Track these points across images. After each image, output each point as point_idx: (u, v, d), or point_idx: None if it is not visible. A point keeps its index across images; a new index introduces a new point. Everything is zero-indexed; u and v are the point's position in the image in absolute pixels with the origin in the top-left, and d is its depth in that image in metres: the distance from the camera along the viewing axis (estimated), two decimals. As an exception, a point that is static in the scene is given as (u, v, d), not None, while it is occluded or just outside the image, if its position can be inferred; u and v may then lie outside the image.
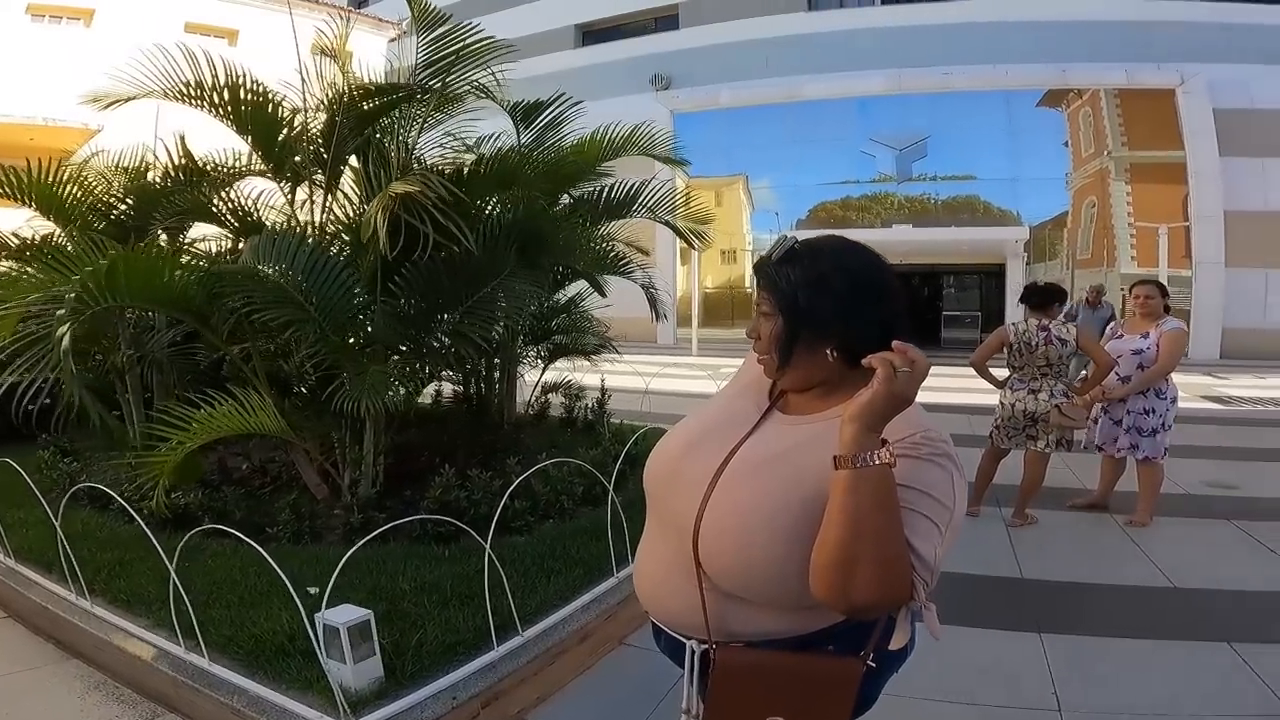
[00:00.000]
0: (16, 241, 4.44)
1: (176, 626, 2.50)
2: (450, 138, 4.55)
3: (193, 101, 3.87)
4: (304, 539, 3.45)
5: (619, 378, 6.48)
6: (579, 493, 3.91)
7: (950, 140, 17.42)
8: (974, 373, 4.33)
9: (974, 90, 16.87)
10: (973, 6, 17.17)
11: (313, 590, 2.75)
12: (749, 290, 20.01)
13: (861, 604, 0.98)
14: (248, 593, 2.88)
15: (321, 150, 4.09)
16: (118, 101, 4.05)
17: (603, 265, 5.41)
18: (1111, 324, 4.71)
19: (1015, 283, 16.90)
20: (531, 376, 6.12)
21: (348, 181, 4.30)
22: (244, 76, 3.82)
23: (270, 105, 3.92)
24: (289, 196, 4.20)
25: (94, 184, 4.56)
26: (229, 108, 3.86)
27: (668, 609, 1.23)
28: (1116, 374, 4.23)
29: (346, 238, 4.14)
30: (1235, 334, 15.00)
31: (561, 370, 6.19)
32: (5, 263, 4.39)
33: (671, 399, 7.98)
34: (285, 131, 4.03)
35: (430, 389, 5.55)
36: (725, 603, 1.14)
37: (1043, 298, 4.24)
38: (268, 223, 4.36)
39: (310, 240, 3.82)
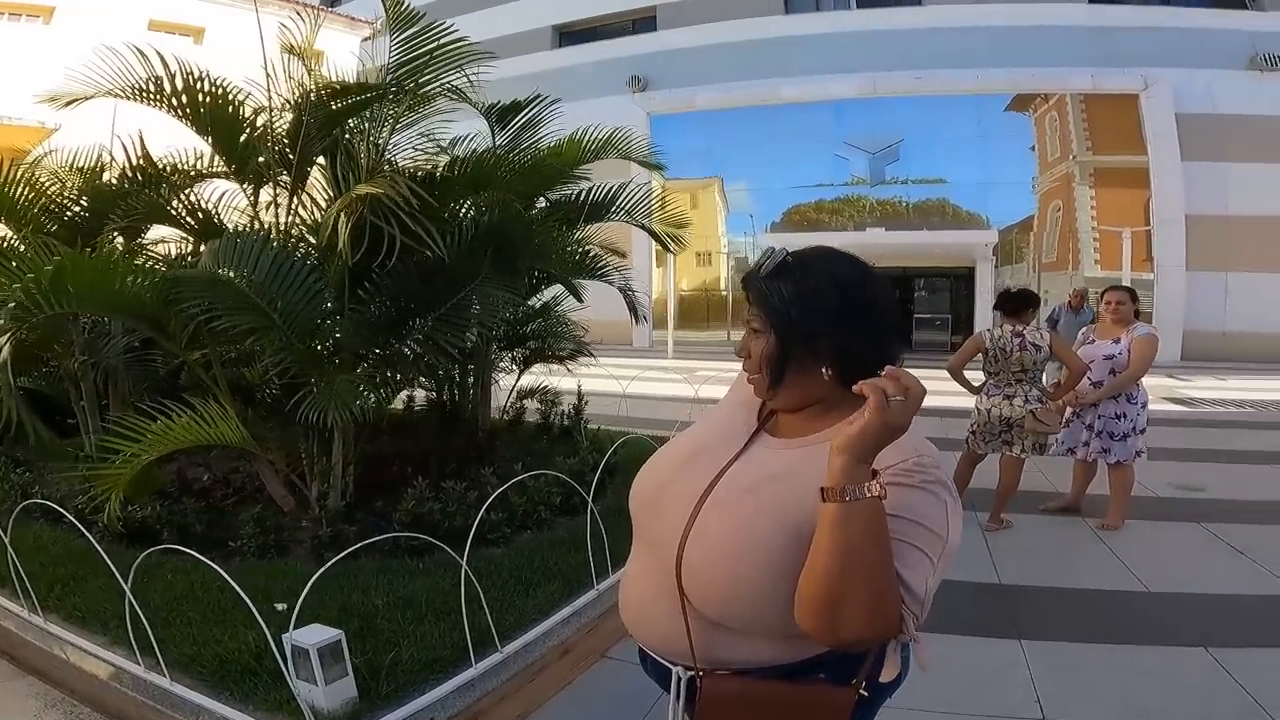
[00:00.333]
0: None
1: (134, 644, 2.40)
2: (424, 138, 4.45)
3: (151, 101, 3.73)
4: (270, 553, 3.34)
5: (595, 381, 6.42)
6: (556, 503, 3.85)
7: (922, 144, 17.64)
8: (947, 375, 4.35)
9: (945, 94, 17.09)
10: (944, 11, 17.41)
11: (280, 607, 2.66)
12: (724, 293, 20.10)
13: (849, 638, 0.95)
14: (210, 609, 2.77)
15: (288, 151, 3.96)
16: (75, 101, 3.90)
17: (580, 269, 5.34)
18: (1084, 330, 4.77)
19: (985, 286, 17.19)
20: (506, 381, 6.02)
21: (316, 183, 4.18)
22: (204, 76, 3.69)
23: (231, 105, 3.79)
24: (252, 198, 4.06)
25: (47, 184, 4.38)
26: (188, 107, 3.72)
27: (653, 635, 1.19)
28: (1089, 379, 4.29)
29: (313, 240, 4.02)
30: (1196, 336, 15.36)
31: (537, 374, 6.11)
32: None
33: (648, 403, 7.96)
34: (248, 131, 3.90)
35: (402, 395, 5.44)
36: (711, 630, 1.10)
37: (1016, 304, 4.27)
38: (230, 225, 4.22)
39: (275, 244, 3.70)
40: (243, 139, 3.89)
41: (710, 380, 8.35)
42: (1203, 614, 3.19)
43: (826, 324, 1.06)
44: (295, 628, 2.18)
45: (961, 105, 17.19)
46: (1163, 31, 16.09)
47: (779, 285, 1.09)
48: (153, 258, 4.38)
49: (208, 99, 3.71)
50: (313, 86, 3.86)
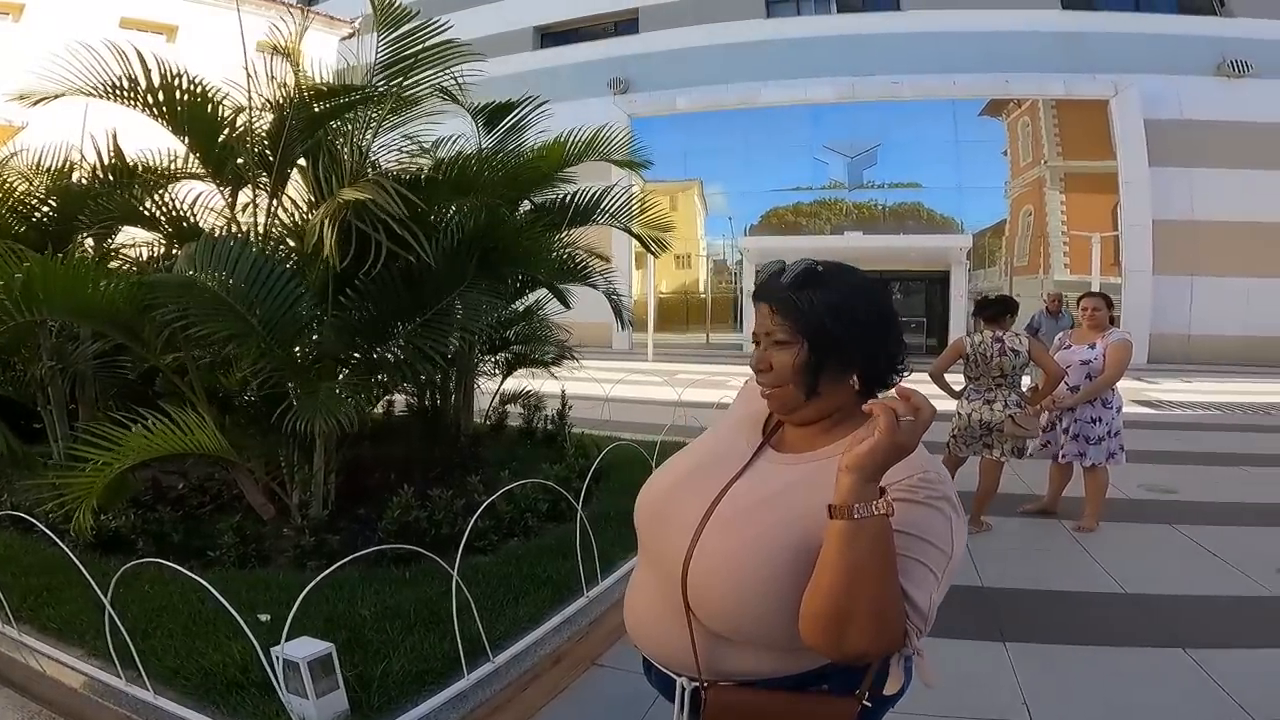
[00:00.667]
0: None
1: (114, 657, 2.34)
2: (408, 140, 4.40)
3: (125, 99, 3.63)
4: (251, 563, 3.27)
5: (577, 384, 6.39)
6: (543, 509, 3.82)
7: (898, 148, 17.86)
8: (928, 379, 4.40)
9: (921, 99, 17.33)
10: (922, 17, 17.65)
11: (264, 618, 2.61)
12: (703, 295, 20.16)
13: (853, 653, 0.96)
14: (191, 620, 2.71)
15: (268, 152, 3.89)
16: (46, 99, 3.79)
17: (566, 274, 5.32)
18: (1060, 335, 4.87)
19: (959, 289, 17.45)
20: (489, 385, 5.97)
21: (297, 185, 4.11)
22: (182, 74, 3.60)
23: (209, 104, 3.71)
24: (230, 200, 3.98)
25: (14, 184, 4.25)
26: (164, 106, 3.63)
27: (658, 646, 1.20)
28: (1066, 384, 4.38)
29: (294, 244, 3.95)
30: (1162, 339, 15.73)
31: (520, 378, 6.07)
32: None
33: (631, 406, 7.95)
34: (227, 132, 3.82)
35: (382, 400, 5.37)
36: (716, 643, 1.11)
37: (996, 310, 4.35)
38: (206, 227, 4.13)
39: (254, 247, 3.62)
40: (221, 139, 3.81)
41: (694, 384, 8.37)
42: (1179, 615, 3.26)
43: (860, 332, 1.08)
44: (284, 640, 2.14)
45: (937, 110, 17.45)
46: (1133, 37, 16.46)
47: (810, 295, 1.09)
48: (126, 261, 4.27)
49: (186, 98, 3.62)
50: (296, 87, 3.79)
